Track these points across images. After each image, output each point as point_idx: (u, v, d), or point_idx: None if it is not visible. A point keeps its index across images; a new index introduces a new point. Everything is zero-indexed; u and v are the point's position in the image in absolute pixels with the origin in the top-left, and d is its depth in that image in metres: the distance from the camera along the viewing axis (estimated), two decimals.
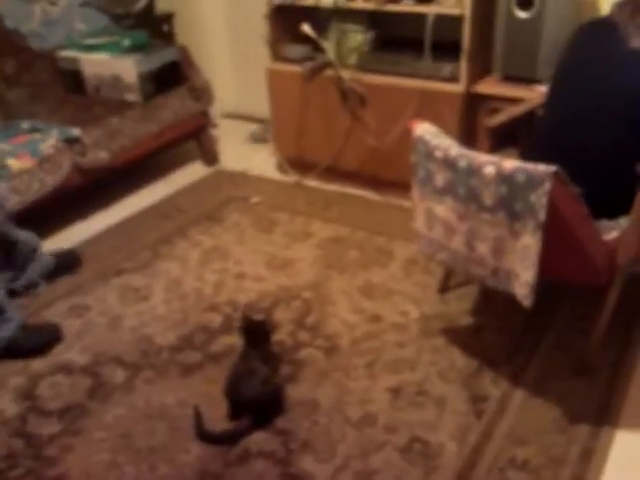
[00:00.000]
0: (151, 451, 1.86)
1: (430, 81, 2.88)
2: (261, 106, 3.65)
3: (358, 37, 3.10)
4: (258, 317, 2.09)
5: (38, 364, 2.20)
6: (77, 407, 2.02)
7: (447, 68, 2.84)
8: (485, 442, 1.84)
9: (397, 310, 2.38)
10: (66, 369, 2.18)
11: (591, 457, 1.77)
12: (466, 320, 2.32)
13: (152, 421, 1.95)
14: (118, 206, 3.23)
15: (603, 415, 1.90)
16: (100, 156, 2.97)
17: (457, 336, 2.24)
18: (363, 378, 2.08)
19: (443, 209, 1.90)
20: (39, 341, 2.26)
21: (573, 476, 1.72)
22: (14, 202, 2.65)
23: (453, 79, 2.84)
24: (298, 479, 1.75)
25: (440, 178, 1.88)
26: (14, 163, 2.68)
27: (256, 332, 2.04)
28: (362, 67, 3.07)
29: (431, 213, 1.97)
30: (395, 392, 2.02)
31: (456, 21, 2.75)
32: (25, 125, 2.91)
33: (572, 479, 1.71)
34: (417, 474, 1.74)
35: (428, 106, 2.86)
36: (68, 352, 2.25)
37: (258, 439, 1.88)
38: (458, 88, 2.84)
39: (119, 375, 2.13)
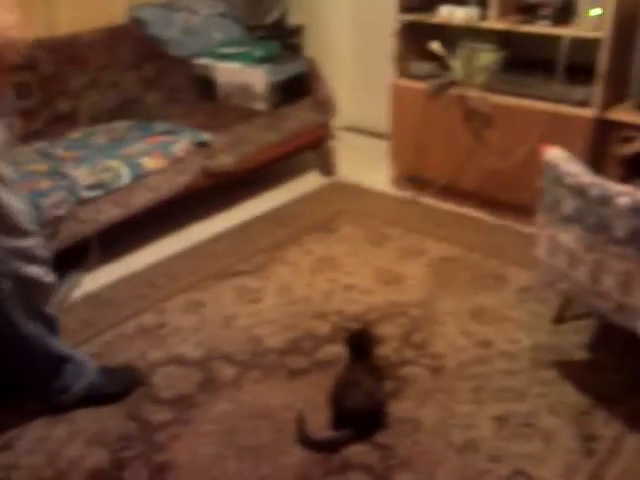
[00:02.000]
0: (254, 449, 1.91)
1: (560, 105, 2.79)
2: (380, 121, 3.68)
3: (488, 56, 3.06)
4: (361, 330, 2.12)
5: (155, 353, 2.32)
6: (187, 398, 2.11)
7: (579, 92, 2.75)
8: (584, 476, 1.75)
9: (508, 337, 2.32)
10: (180, 360, 2.28)
11: None
12: (581, 354, 2.23)
13: (257, 420, 2.01)
14: (238, 209, 3.36)
15: None
16: (226, 161, 3.11)
17: (570, 370, 2.15)
18: (468, 402, 2.04)
19: (569, 237, 1.84)
20: (119, 387, 2.10)
21: None
22: (145, 199, 2.82)
23: (585, 104, 2.75)
24: None
25: (569, 205, 1.82)
26: (148, 162, 2.85)
27: (360, 345, 2.06)
28: (490, 87, 3.03)
29: (556, 241, 1.91)
30: (501, 421, 1.97)
31: (592, 43, 2.66)
32: (160, 127, 3.09)
33: None
34: None
35: (556, 130, 2.77)
36: (183, 345, 2.36)
37: (358, 451, 1.89)
38: (589, 113, 2.74)
39: (228, 372, 2.21)
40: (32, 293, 1.86)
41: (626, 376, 2.11)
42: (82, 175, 2.67)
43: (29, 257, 1.82)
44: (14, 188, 1.78)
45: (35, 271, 1.85)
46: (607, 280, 1.76)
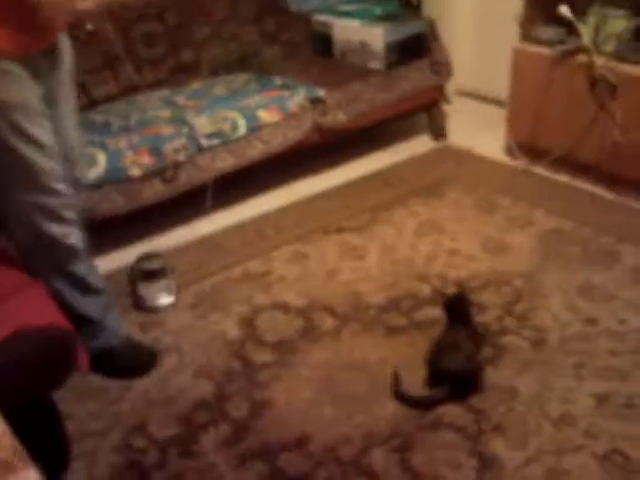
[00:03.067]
0: (349, 398, 1.98)
1: None
2: (496, 87, 3.57)
3: (619, 23, 2.90)
4: (459, 294, 2.13)
5: (260, 299, 2.43)
6: (289, 343, 2.20)
7: None
8: None
9: (616, 316, 2.25)
10: (284, 307, 2.38)
11: None
12: None
13: (353, 371, 2.08)
14: (346, 168, 3.39)
15: None
16: (339, 118, 3.14)
17: None
18: (568, 377, 2.01)
19: None
20: (133, 364, 2.11)
21: None
22: (259, 151, 2.91)
23: None
24: (486, 459, 1.77)
25: None
26: (264, 115, 2.93)
27: (457, 309, 2.07)
28: (620, 55, 2.87)
29: None
30: (601, 399, 1.93)
31: None
32: (277, 81, 3.15)
33: None
34: None
35: None
36: (286, 293, 2.45)
37: (451, 412, 1.91)
38: None
39: (329, 322, 2.28)
40: (53, 251, 1.88)
41: None
42: (202, 124, 2.78)
43: (52, 215, 1.83)
44: (50, 153, 1.79)
45: (57, 230, 1.85)
46: None
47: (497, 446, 1.80)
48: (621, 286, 2.39)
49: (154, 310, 2.39)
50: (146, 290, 2.38)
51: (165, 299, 2.40)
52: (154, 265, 2.40)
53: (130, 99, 3.05)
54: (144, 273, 2.38)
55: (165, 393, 2.05)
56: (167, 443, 1.88)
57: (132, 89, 3.09)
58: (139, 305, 2.40)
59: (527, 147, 3.29)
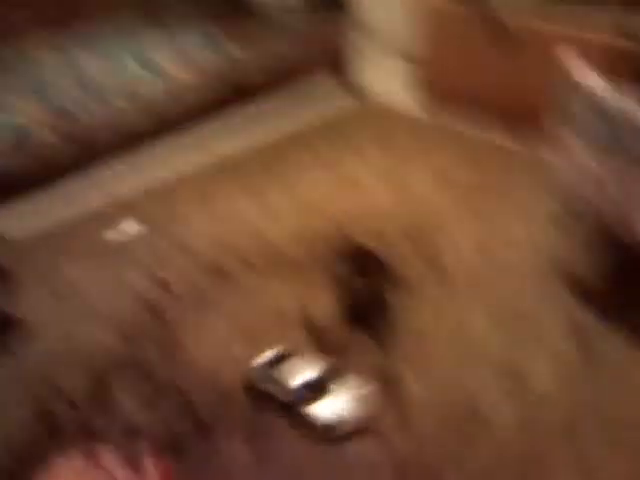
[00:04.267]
0: (259, 337, 2.03)
1: (617, 37, 2.65)
2: (411, 43, 3.60)
3: None
4: (361, 245, 2.19)
5: (167, 247, 2.41)
6: (197, 289, 2.22)
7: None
8: (587, 392, 1.79)
9: (520, 254, 2.36)
10: (192, 254, 2.37)
11: None
12: (586, 269, 2.21)
13: (262, 311, 2.12)
14: (261, 126, 3.33)
15: None
16: (252, 73, 3.08)
17: (578, 287, 2.17)
18: (471, 310, 2.10)
19: (585, 155, 1.83)
20: None
21: None
22: (166, 108, 2.81)
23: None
24: (395, 382, 1.80)
25: (587, 123, 1.80)
26: (171, 69, 2.82)
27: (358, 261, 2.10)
28: (528, 11, 2.93)
29: (571, 158, 1.90)
30: (503, 328, 2.03)
31: None
32: (188, 35, 3.01)
33: None
34: (512, 405, 1.74)
35: (602, 62, 2.66)
36: (194, 241, 2.46)
37: (364, 348, 1.95)
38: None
39: (238, 267, 2.30)
40: None
41: (631, 295, 2.11)
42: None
43: None
44: None
45: None
46: (618, 198, 1.75)
47: (403, 372, 1.85)
48: (525, 227, 2.48)
49: None
50: None
51: None
52: None
53: None
54: None
55: (71, 346, 2.01)
56: (76, 393, 1.85)
57: None
58: None
59: (436, 98, 3.35)
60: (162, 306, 2.14)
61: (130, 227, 2.48)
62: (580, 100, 1.82)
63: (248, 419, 1.72)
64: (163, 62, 2.86)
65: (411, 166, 2.93)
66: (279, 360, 1.82)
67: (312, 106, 3.49)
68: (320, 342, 1.96)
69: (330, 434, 1.68)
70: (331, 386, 1.78)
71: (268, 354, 1.87)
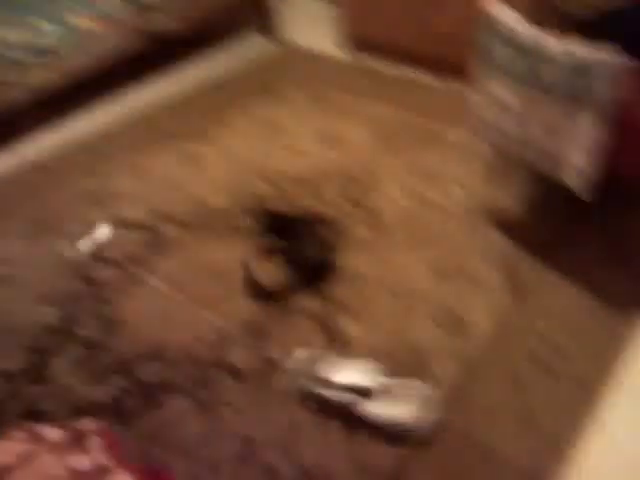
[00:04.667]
0: (202, 302, 1.99)
1: None
2: None
3: None
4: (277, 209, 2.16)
5: (99, 215, 2.34)
6: (134, 257, 2.16)
7: None
8: (518, 322, 1.90)
9: (447, 193, 2.40)
10: (124, 222, 2.31)
11: (621, 343, 1.83)
12: (516, 207, 2.33)
13: (204, 275, 2.09)
14: (177, 75, 3.26)
15: (634, 303, 1.93)
16: (163, 20, 2.98)
17: (505, 222, 2.26)
18: (405, 254, 2.15)
19: (502, 90, 1.88)
20: None
21: (601, 356, 1.78)
22: (76, 63, 2.70)
23: None
24: (335, 335, 1.87)
25: (502, 56, 1.84)
26: (78, 21, 2.71)
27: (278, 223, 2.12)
28: None
29: (489, 94, 1.95)
30: (435, 269, 2.08)
31: None
32: None
33: (601, 361, 1.78)
34: (448, 341, 1.83)
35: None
36: (127, 207, 2.38)
37: (301, 299, 1.99)
38: None
39: (174, 232, 2.26)
40: None
41: (552, 223, 2.24)
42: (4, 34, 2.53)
43: None
44: None
45: None
46: (537, 130, 1.82)
47: (345, 323, 1.90)
48: (448, 163, 2.55)
49: None
50: None
51: None
52: None
53: None
54: None
55: (6, 324, 1.95)
56: (15, 372, 1.81)
57: None
58: None
59: (358, 40, 3.33)
60: (98, 277, 2.09)
61: None
62: (497, 35, 1.85)
63: (197, 388, 1.73)
64: (72, 15, 2.69)
65: (339, 112, 2.92)
66: (315, 360, 1.68)
67: (234, 54, 3.40)
68: (260, 295, 1.98)
69: (401, 434, 1.54)
70: (385, 386, 1.62)
71: (299, 354, 1.74)
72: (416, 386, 1.65)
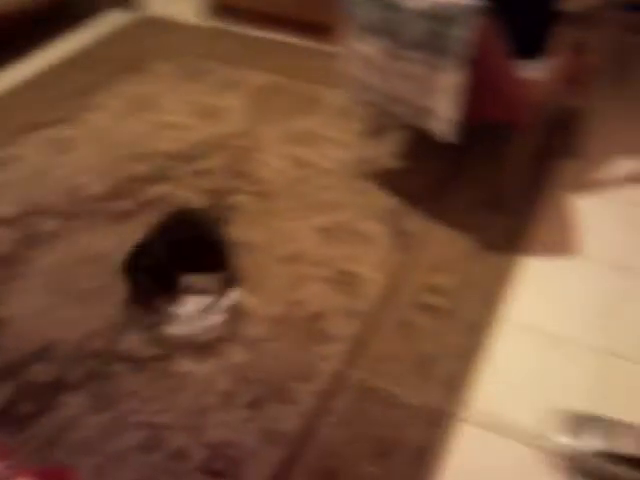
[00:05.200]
0: (88, 294, 1.92)
1: None
2: None
3: None
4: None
5: None
6: (10, 255, 2.04)
7: None
8: (407, 272, 1.97)
9: (326, 155, 2.43)
10: None
11: (502, 280, 1.94)
12: (393, 162, 2.39)
13: (86, 266, 2.00)
14: (35, 56, 3.06)
15: (513, 245, 2.05)
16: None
17: (384, 178, 2.32)
18: (292, 220, 2.15)
19: (368, 48, 1.90)
20: None
21: (485, 296, 1.88)
22: None
23: None
24: (232, 311, 1.86)
25: (366, 15, 1.85)
26: None
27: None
28: None
29: (357, 53, 1.96)
30: (323, 231, 2.11)
31: None
32: None
33: (484, 299, 1.88)
34: (343, 300, 1.87)
35: None
36: None
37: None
38: None
39: (50, 224, 2.14)
40: None
41: (432, 176, 2.32)
42: None
43: None
44: None
45: None
46: (404, 85, 1.86)
47: (242, 296, 1.89)
48: (326, 127, 2.57)
49: None
50: None
51: None
52: None
53: None
54: None
55: None
56: None
57: None
58: None
59: (220, 7, 3.25)
60: None
61: None
62: None
63: (93, 383, 1.68)
64: None
65: (212, 82, 2.86)
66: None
67: (96, 31, 3.23)
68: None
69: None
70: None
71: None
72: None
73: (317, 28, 3.05)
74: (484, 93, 1.84)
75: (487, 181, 2.29)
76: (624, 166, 2.34)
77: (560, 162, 2.36)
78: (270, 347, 1.74)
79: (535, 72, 1.99)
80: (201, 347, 1.74)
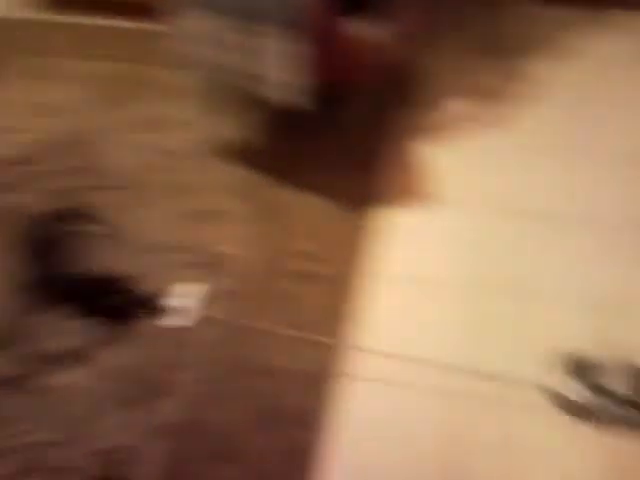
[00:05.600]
0: None
1: None
2: None
3: None
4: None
5: None
6: None
7: None
8: (272, 242, 1.98)
9: (177, 138, 2.37)
10: None
11: (367, 236, 1.99)
12: (245, 137, 2.37)
13: None
14: None
15: (375, 201, 2.10)
16: None
17: (239, 153, 2.30)
18: (153, 209, 2.10)
19: (202, 21, 1.86)
20: None
21: (353, 255, 1.93)
22: None
23: None
24: None
25: None
26: None
27: None
28: None
29: (194, 30, 1.92)
30: (187, 215, 2.08)
31: None
32: None
33: (353, 257, 1.92)
34: (212, 283, 1.86)
35: None
36: None
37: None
38: None
39: None
40: None
41: (285, 144, 2.33)
42: None
43: None
44: None
45: None
46: (242, 56, 1.84)
47: None
48: (170, 108, 2.50)
49: None
50: None
51: None
52: None
53: None
54: None
55: None
56: None
57: None
58: None
59: None
60: None
61: None
62: None
63: None
64: None
65: (47, 78, 2.70)
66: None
67: None
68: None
69: None
70: None
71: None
72: None
73: (148, 9, 2.94)
74: (326, 57, 1.85)
75: (338, 141, 2.33)
76: (466, 112, 2.45)
77: (406, 113, 2.44)
78: (142, 343, 1.70)
79: (373, 30, 2.02)
80: (70, 356, 1.68)
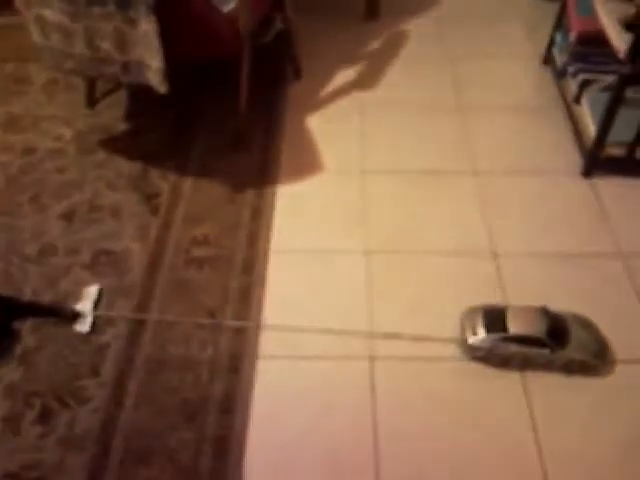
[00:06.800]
0: None
1: None
2: None
3: None
4: None
5: None
6: None
7: None
8: (166, 232, 1.93)
9: (49, 136, 2.25)
10: None
11: (260, 215, 1.98)
12: (122, 127, 2.29)
13: None
14: None
15: (264, 179, 2.09)
16: None
17: (117, 145, 2.22)
18: (32, 213, 1.98)
19: (52, 13, 1.75)
20: None
21: (249, 235, 1.92)
22: None
23: None
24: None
25: None
26: None
27: None
28: None
29: (42, 20, 1.80)
30: (68, 216, 1.97)
31: None
32: None
33: (248, 237, 1.91)
34: (110, 282, 1.79)
35: None
36: None
37: None
38: None
39: None
40: None
41: (166, 132, 2.26)
42: None
43: None
44: None
45: None
46: (104, 45, 1.76)
47: None
48: (42, 106, 2.37)
49: None
50: None
51: None
52: None
53: None
54: None
55: None
56: None
57: None
58: None
59: None
60: None
61: None
62: None
63: None
64: None
65: None
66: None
67: None
68: None
69: None
70: None
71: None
72: None
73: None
74: (186, 34, 1.81)
75: (221, 123, 2.30)
76: (341, 80, 2.49)
77: (286, 86, 2.44)
78: (44, 355, 1.62)
79: (233, 4, 2.00)
80: None
